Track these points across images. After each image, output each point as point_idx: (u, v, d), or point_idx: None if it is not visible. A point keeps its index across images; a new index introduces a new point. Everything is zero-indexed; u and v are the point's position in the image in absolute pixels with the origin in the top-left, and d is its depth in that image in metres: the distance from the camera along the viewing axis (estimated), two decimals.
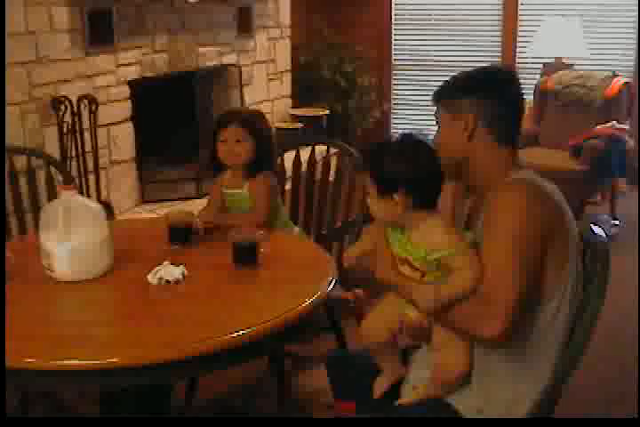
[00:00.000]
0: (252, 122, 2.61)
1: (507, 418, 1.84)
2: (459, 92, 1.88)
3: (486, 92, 1.86)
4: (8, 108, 3.68)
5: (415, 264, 1.83)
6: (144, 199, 4.71)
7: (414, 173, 1.79)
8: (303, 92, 6.24)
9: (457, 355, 1.85)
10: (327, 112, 5.97)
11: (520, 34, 6.31)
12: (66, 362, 1.74)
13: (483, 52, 6.39)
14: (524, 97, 1.92)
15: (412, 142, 1.84)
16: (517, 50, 6.33)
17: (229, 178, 2.64)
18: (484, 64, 2.09)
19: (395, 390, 2.01)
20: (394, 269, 1.86)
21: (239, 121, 2.58)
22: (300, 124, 5.78)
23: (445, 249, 1.78)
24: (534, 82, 5.71)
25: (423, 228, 1.81)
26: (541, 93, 5.59)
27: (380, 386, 2.03)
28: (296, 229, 2.78)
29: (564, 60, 5.82)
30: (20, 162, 3.07)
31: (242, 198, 2.62)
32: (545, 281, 1.77)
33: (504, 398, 1.84)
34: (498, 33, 6.40)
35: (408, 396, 1.96)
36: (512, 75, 1.93)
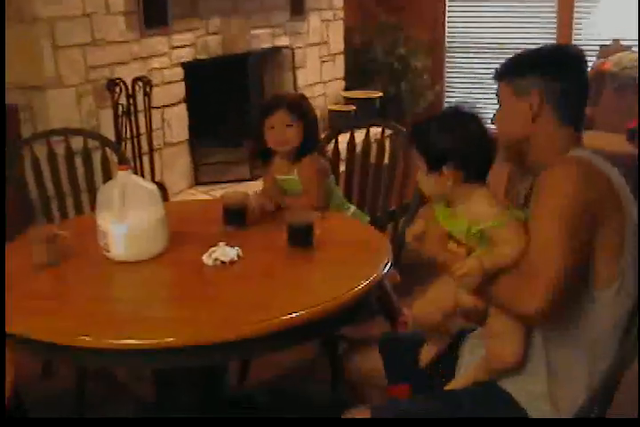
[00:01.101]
0: (299, 106, 2.59)
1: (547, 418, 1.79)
2: (524, 68, 1.82)
3: (553, 68, 1.81)
4: (65, 91, 3.71)
5: (459, 238, 1.80)
6: (197, 181, 4.73)
7: (463, 145, 1.76)
8: (356, 74, 6.19)
9: (512, 345, 1.80)
10: (380, 95, 5.91)
11: (576, 15, 6.18)
12: (121, 341, 1.75)
13: (537, 35, 6.26)
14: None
15: (459, 115, 1.81)
16: (574, 32, 6.19)
17: (278, 163, 2.63)
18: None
19: (451, 373, 1.98)
20: (442, 245, 1.84)
21: (286, 106, 2.56)
22: (353, 107, 5.74)
23: (488, 221, 1.74)
24: (590, 64, 5.60)
25: (469, 201, 1.78)
26: (598, 76, 5.48)
27: (427, 354, 2.02)
28: (352, 208, 2.75)
29: (621, 42, 5.69)
30: (76, 143, 3.10)
31: (295, 183, 2.61)
32: (597, 266, 1.70)
33: (560, 389, 1.80)
34: (553, 14, 6.27)
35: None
36: (580, 52, 1.87)
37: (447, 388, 1.92)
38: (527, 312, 1.68)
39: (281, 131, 2.55)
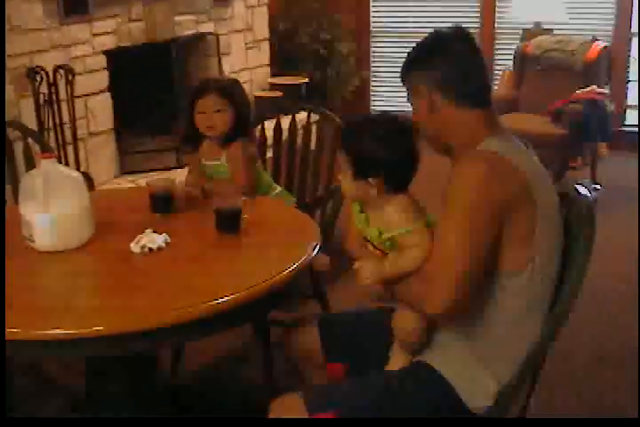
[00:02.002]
0: (232, 91, 2.57)
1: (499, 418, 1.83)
2: (407, 68, 1.85)
3: (431, 58, 1.81)
4: None
5: (374, 242, 1.86)
6: (123, 170, 4.67)
7: (393, 159, 1.80)
8: (282, 60, 6.18)
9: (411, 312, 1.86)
10: (306, 80, 5.92)
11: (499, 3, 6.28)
12: (50, 331, 1.73)
13: (461, 19, 6.32)
14: (480, 54, 1.84)
15: (392, 125, 1.83)
16: (497, 15, 6.29)
17: (206, 148, 2.62)
18: None
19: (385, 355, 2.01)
20: (360, 243, 1.91)
21: (218, 90, 2.54)
22: (279, 93, 5.73)
23: (399, 228, 1.80)
24: (514, 47, 5.69)
25: (383, 210, 1.83)
26: (521, 59, 5.58)
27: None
28: (278, 188, 2.76)
29: (543, 26, 5.80)
30: None
31: (222, 168, 2.60)
32: (504, 255, 1.73)
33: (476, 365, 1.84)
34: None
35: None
36: (458, 31, 1.85)
37: (386, 368, 1.95)
38: (432, 312, 1.74)
39: (210, 115, 2.53)
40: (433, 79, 1.79)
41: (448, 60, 1.80)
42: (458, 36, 1.84)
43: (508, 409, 1.83)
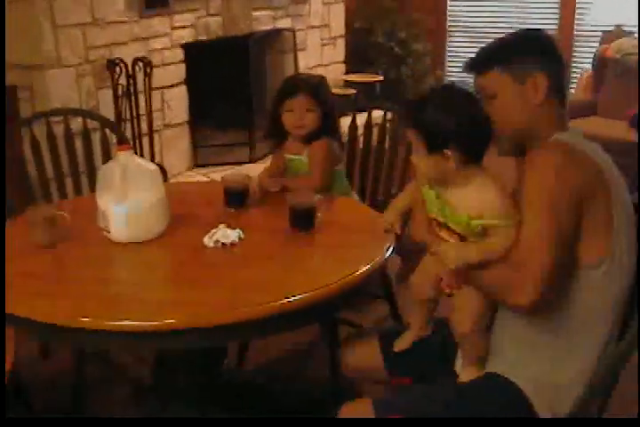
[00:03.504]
0: (320, 91, 2.56)
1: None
2: (518, 52, 1.77)
3: (545, 50, 1.77)
4: (64, 70, 3.68)
5: (455, 228, 1.77)
6: (196, 163, 4.71)
7: (465, 125, 1.71)
8: (357, 58, 6.16)
9: (470, 317, 1.82)
10: (381, 78, 5.88)
11: (578, 1, 6.14)
12: (121, 322, 1.73)
13: (539, 20, 6.23)
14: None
15: (455, 94, 1.76)
16: (576, 17, 6.17)
17: (290, 144, 2.61)
18: None
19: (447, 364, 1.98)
20: (429, 230, 1.84)
21: (309, 91, 2.53)
22: (353, 91, 5.71)
23: (493, 217, 1.71)
24: (593, 51, 5.57)
25: (468, 187, 1.75)
26: (600, 62, 5.45)
27: (404, 342, 2.04)
28: (355, 196, 2.73)
29: (623, 28, 5.65)
30: (76, 124, 3.08)
31: (302, 164, 2.59)
32: (583, 247, 1.68)
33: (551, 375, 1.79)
34: (556, 0, 6.23)
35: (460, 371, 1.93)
36: (550, 35, 1.83)
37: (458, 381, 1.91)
38: (517, 303, 1.67)
39: (299, 115, 2.52)
40: (553, 71, 1.75)
41: (558, 58, 1.78)
42: (552, 38, 1.83)
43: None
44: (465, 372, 1.89)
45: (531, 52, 1.77)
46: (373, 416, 1.78)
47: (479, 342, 1.86)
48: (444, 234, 1.81)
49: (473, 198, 1.74)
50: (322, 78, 2.68)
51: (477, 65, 1.81)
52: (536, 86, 1.75)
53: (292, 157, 2.61)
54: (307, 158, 2.56)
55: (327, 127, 2.57)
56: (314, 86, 2.56)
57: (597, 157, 1.70)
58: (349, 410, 1.86)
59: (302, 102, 2.52)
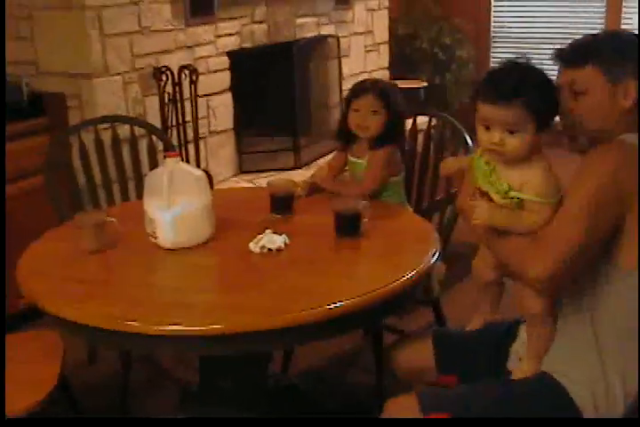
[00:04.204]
0: (388, 94, 2.56)
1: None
2: (616, 54, 1.73)
3: (638, 55, 1.73)
4: (111, 78, 3.73)
5: (494, 197, 1.79)
6: (242, 170, 4.73)
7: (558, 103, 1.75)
8: (401, 64, 6.15)
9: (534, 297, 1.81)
10: (425, 85, 5.87)
11: (625, 4, 6.07)
12: (168, 327, 1.75)
13: (584, 24, 6.16)
14: None
15: (535, 70, 1.77)
16: (622, 20, 6.09)
17: (357, 147, 2.62)
18: None
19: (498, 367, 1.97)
20: (471, 199, 1.86)
21: (376, 92, 2.53)
22: (402, 99, 5.69)
23: (538, 196, 1.74)
24: None
25: (530, 169, 1.77)
26: None
27: (476, 322, 2.07)
28: (409, 208, 2.73)
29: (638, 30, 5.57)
30: (123, 131, 3.12)
31: (360, 168, 2.59)
32: (625, 248, 1.67)
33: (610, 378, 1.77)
34: (602, 4, 6.17)
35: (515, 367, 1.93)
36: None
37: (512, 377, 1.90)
38: (529, 275, 1.70)
39: (364, 115, 2.53)
40: (636, 69, 1.72)
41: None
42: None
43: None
44: (527, 364, 1.87)
45: (629, 56, 1.73)
46: (418, 411, 1.79)
47: (546, 330, 1.85)
48: (484, 201, 1.84)
49: (518, 171, 1.77)
50: (394, 85, 2.69)
51: (571, 58, 1.78)
52: (627, 91, 1.72)
53: (355, 159, 2.62)
54: (366, 163, 2.57)
55: (393, 134, 2.56)
56: (382, 88, 2.56)
57: None
58: (394, 404, 1.87)
59: (368, 103, 2.52)
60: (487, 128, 1.77)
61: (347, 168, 2.68)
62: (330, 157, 2.85)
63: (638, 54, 1.73)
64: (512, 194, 1.77)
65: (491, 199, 1.81)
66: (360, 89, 2.57)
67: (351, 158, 2.63)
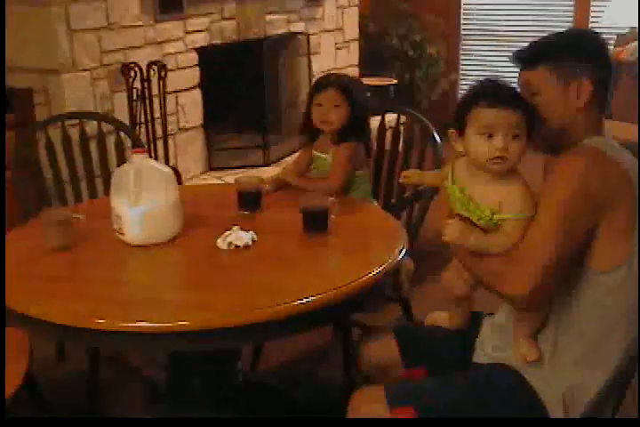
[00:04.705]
0: (351, 88, 2.56)
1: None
2: (568, 53, 1.75)
3: (597, 54, 1.76)
4: (79, 74, 3.70)
5: (478, 223, 1.78)
6: (211, 166, 4.72)
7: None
8: (371, 61, 6.17)
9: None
10: (395, 82, 5.89)
11: (593, 3, 6.14)
12: (136, 324, 1.74)
13: (553, 22, 6.21)
14: None
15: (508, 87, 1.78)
16: (590, 20, 6.15)
17: (320, 142, 2.62)
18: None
19: (464, 360, 1.98)
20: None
21: (338, 86, 2.53)
22: (367, 94, 5.71)
23: (514, 213, 1.72)
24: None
25: (507, 181, 1.75)
26: (615, 64, 5.42)
27: (440, 318, 2.08)
28: (374, 202, 2.73)
29: (638, 30, 5.63)
30: (91, 127, 3.10)
31: (324, 164, 2.60)
32: (600, 250, 1.68)
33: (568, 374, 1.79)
34: (570, 2, 6.22)
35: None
36: (601, 36, 1.82)
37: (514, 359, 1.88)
38: (509, 295, 1.70)
39: (327, 109, 2.53)
40: (599, 77, 1.74)
41: (606, 62, 1.78)
42: (606, 41, 1.83)
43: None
44: (528, 348, 1.83)
45: (582, 55, 1.75)
46: (385, 401, 1.79)
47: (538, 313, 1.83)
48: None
49: (496, 192, 1.75)
50: (357, 79, 2.69)
51: (525, 59, 1.80)
52: (580, 91, 1.73)
53: (319, 154, 2.62)
54: (331, 158, 2.57)
55: (356, 128, 2.56)
56: (344, 82, 2.56)
57: (626, 165, 1.69)
58: (361, 395, 1.87)
59: (330, 97, 2.52)
60: (489, 136, 1.72)
61: (312, 165, 2.68)
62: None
63: (597, 54, 1.76)
64: (496, 218, 1.75)
65: (473, 223, 1.79)
66: (322, 83, 2.58)
67: (315, 153, 2.63)
